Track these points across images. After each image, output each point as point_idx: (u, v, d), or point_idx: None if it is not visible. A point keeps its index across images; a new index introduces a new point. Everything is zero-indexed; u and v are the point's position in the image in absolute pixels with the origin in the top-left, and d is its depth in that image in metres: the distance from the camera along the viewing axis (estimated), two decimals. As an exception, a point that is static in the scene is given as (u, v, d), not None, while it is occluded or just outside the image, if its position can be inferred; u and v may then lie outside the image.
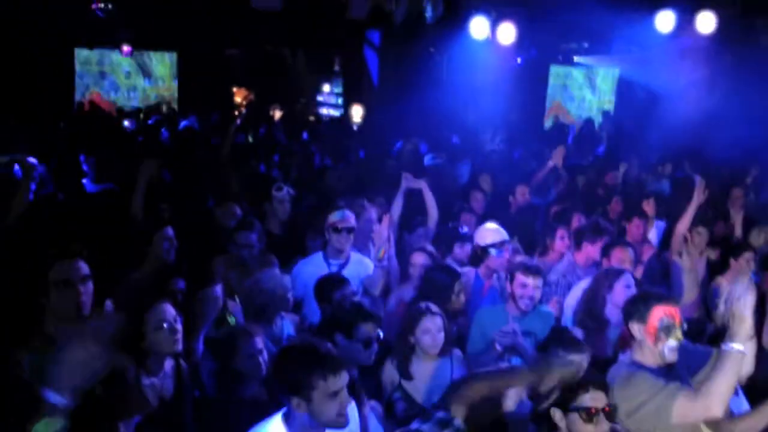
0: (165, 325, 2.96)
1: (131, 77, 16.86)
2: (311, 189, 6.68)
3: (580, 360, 3.23)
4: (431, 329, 3.45)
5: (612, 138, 11.41)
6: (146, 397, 2.75)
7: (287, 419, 2.45)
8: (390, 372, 3.50)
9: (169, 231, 4.26)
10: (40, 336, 2.90)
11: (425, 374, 3.46)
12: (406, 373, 3.45)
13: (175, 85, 17.06)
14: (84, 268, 3.08)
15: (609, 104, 16.29)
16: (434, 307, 3.53)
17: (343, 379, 2.40)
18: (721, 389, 2.72)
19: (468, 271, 4.68)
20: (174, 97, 16.81)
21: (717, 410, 2.75)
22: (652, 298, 3.07)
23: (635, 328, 3.03)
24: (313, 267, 4.39)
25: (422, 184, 5.25)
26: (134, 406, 2.57)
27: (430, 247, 4.53)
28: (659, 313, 2.98)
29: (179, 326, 3.02)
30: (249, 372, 3.11)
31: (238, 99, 18.63)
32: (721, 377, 2.71)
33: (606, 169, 8.30)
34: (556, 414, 2.61)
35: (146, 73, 17.05)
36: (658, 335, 2.96)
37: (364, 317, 3.17)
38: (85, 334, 2.04)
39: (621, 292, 3.97)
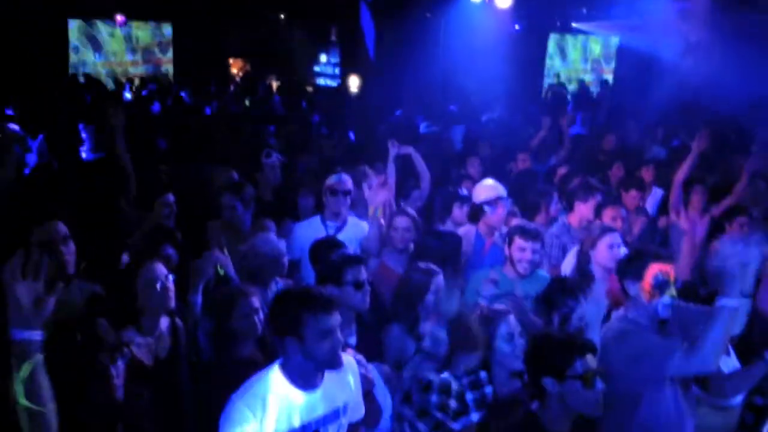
0: (157, 283, 2.99)
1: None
2: (307, 154, 6.65)
3: (581, 309, 3.31)
4: (440, 288, 3.51)
5: (611, 107, 11.37)
6: (121, 341, 2.75)
7: (284, 367, 2.49)
8: (399, 337, 3.50)
9: (170, 197, 4.28)
10: None
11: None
12: (419, 336, 3.49)
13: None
14: (63, 228, 3.12)
15: (608, 73, 16.21)
16: (435, 267, 3.57)
17: (334, 318, 2.43)
18: (714, 344, 2.75)
19: (468, 230, 4.70)
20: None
21: (712, 365, 2.79)
22: (647, 255, 3.11)
23: (630, 285, 3.07)
24: (311, 230, 4.40)
25: (410, 150, 5.25)
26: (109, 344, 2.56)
27: (411, 211, 4.52)
28: (654, 270, 3.01)
29: (171, 284, 3.05)
30: (244, 331, 3.13)
31: (234, 70, 18.50)
32: (713, 333, 2.74)
33: (605, 135, 8.29)
34: (549, 383, 2.52)
35: (96, 47, 16.80)
36: (653, 292, 3.00)
37: (349, 261, 3.22)
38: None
39: (604, 250, 4.01)
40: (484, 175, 6.25)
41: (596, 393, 2.50)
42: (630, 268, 3.09)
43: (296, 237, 4.44)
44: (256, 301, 3.18)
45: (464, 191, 5.22)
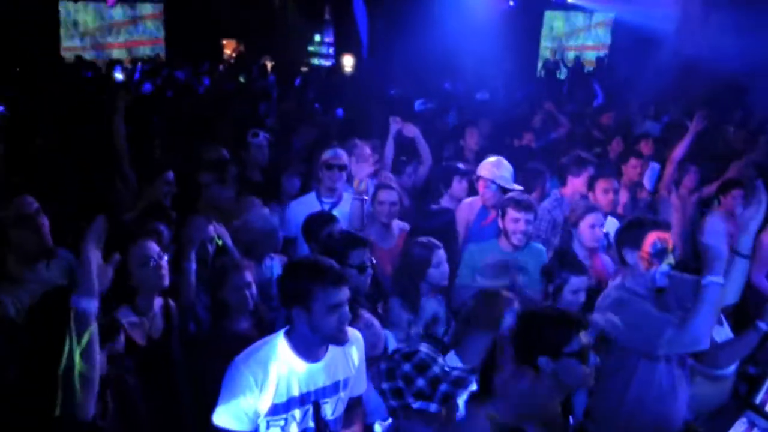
0: (150, 262, 2.98)
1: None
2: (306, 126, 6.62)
3: (581, 283, 3.31)
4: (441, 261, 3.52)
5: (607, 84, 11.31)
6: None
7: (289, 336, 2.50)
8: (399, 312, 3.52)
9: (170, 175, 4.27)
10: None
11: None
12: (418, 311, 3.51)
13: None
14: (33, 202, 3.12)
15: (603, 49, 16.13)
16: (436, 241, 3.57)
17: (343, 293, 2.43)
18: (702, 323, 2.75)
19: (473, 202, 4.70)
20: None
21: (702, 344, 2.78)
22: (646, 224, 3.09)
23: (628, 253, 3.05)
24: (306, 206, 4.36)
25: (414, 130, 5.26)
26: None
27: (395, 184, 4.51)
28: (652, 238, 3.00)
29: (164, 263, 3.04)
30: (236, 304, 3.14)
31: (227, 51, 18.33)
32: (701, 311, 2.74)
33: (602, 112, 8.28)
34: (544, 362, 2.42)
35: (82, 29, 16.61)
36: (651, 260, 2.99)
37: (354, 244, 3.23)
38: (94, 239, 2.09)
39: (586, 230, 4.01)
40: (482, 149, 6.30)
41: (590, 367, 2.45)
42: (629, 236, 3.07)
43: (291, 214, 4.41)
44: (248, 276, 3.18)
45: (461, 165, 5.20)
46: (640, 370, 2.99)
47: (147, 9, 17.49)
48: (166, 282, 3.05)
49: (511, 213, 3.93)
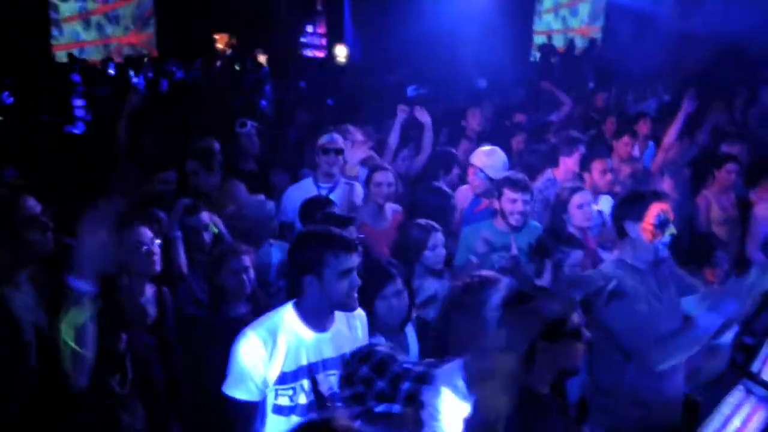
0: (143, 248, 3.02)
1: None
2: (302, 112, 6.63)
3: (578, 257, 3.32)
4: (438, 245, 3.53)
5: (599, 68, 11.30)
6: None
7: (298, 306, 2.53)
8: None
9: (172, 174, 4.33)
10: None
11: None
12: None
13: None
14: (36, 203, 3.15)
15: (596, 31, 16.08)
16: (434, 223, 3.59)
17: (353, 259, 2.47)
18: (672, 352, 2.83)
19: (467, 189, 4.73)
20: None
21: (657, 367, 2.86)
22: (647, 195, 3.09)
23: (630, 226, 3.05)
24: (303, 191, 4.37)
25: (426, 116, 5.34)
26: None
27: (388, 165, 4.53)
28: (656, 210, 3.00)
29: (157, 248, 3.06)
30: (233, 289, 3.15)
31: (220, 45, 18.27)
32: (678, 342, 2.82)
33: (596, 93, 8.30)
34: (542, 346, 2.38)
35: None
36: (655, 231, 3.00)
37: (338, 222, 3.23)
38: (98, 219, 2.11)
39: (574, 211, 4.02)
40: (484, 131, 6.32)
41: (583, 346, 2.44)
42: (631, 208, 3.06)
43: (288, 199, 4.43)
44: (246, 260, 3.20)
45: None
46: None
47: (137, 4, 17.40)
48: (158, 267, 3.09)
49: (508, 194, 3.93)
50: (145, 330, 3.04)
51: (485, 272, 3.04)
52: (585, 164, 4.77)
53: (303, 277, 2.47)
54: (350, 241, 2.53)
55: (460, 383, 2.16)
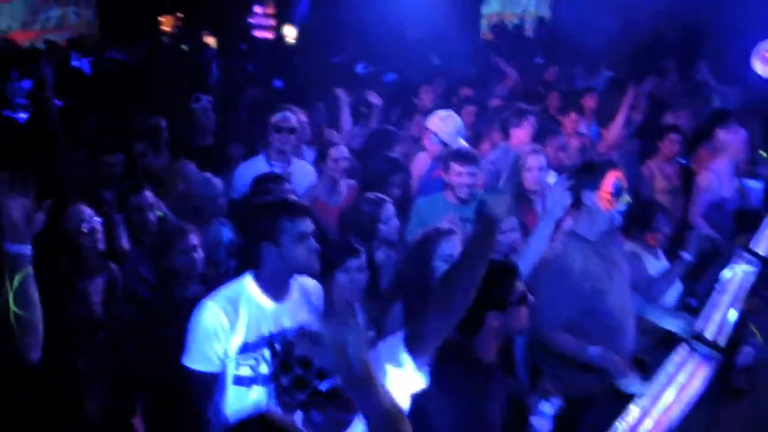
0: (82, 225, 3.00)
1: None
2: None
3: (509, 224, 3.37)
4: (390, 216, 3.54)
5: (547, 42, 11.40)
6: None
7: (256, 275, 2.52)
8: None
9: (119, 157, 4.24)
10: None
11: None
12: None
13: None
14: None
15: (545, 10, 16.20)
16: (383, 196, 3.59)
17: (308, 223, 2.48)
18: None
19: (424, 156, 4.74)
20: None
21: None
22: (603, 164, 3.15)
23: (587, 195, 3.08)
24: (254, 169, 4.30)
25: (378, 99, 5.42)
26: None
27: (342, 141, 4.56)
28: (611, 178, 3.05)
29: (98, 226, 3.01)
30: (184, 269, 3.10)
31: (165, 28, 17.80)
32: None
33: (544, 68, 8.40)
34: (492, 316, 2.44)
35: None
36: (611, 199, 3.04)
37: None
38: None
39: (525, 175, 4.06)
40: (436, 108, 6.33)
41: (527, 309, 2.51)
42: (588, 178, 3.10)
43: (240, 176, 4.35)
44: (194, 239, 3.16)
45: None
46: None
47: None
48: (101, 245, 3.03)
49: (454, 167, 3.95)
50: (92, 310, 2.98)
51: (442, 224, 3.09)
52: (537, 138, 4.83)
53: (260, 246, 2.46)
54: (304, 205, 2.54)
55: (403, 356, 2.16)
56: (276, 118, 4.47)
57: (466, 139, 4.80)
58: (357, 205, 3.66)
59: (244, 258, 2.57)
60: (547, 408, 2.40)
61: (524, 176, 4.08)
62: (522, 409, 2.50)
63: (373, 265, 3.38)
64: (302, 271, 2.55)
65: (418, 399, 2.20)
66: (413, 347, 2.16)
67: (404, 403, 2.18)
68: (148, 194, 3.58)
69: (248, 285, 2.52)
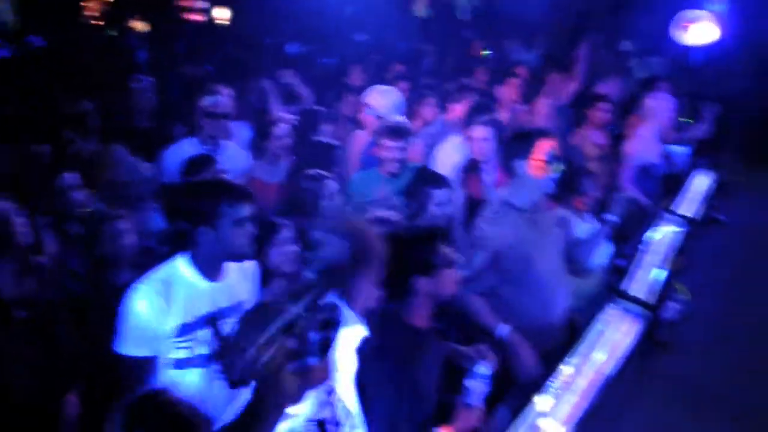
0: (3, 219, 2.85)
1: None
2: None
3: (443, 195, 3.39)
4: (333, 193, 3.56)
5: (478, 18, 11.49)
6: None
7: (191, 257, 2.46)
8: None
9: (46, 148, 4.18)
10: None
11: None
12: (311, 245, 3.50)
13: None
14: None
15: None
16: (323, 172, 3.58)
17: (247, 208, 2.43)
18: None
19: (363, 133, 4.72)
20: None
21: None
22: (533, 133, 3.20)
23: (518, 164, 3.13)
24: (184, 152, 4.19)
25: (291, 75, 5.42)
26: None
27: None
28: (542, 146, 3.10)
29: (22, 220, 2.90)
30: (115, 255, 3.04)
31: (90, 12, 17.14)
32: None
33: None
34: (418, 282, 2.51)
35: None
36: (543, 167, 3.09)
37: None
38: None
39: (469, 144, 4.13)
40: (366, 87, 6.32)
41: (456, 272, 2.55)
42: (518, 146, 3.15)
43: (169, 159, 4.26)
44: (123, 224, 3.08)
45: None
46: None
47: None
48: (26, 239, 2.92)
49: (385, 141, 3.97)
50: (23, 304, 2.87)
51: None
52: (473, 113, 4.88)
53: (196, 229, 2.41)
54: (244, 189, 2.49)
55: (346, 312, 2.21)
56: (206, 102, 4.41)
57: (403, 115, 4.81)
58: (297, 182, 3.64)
59: (176, 241, 2.50)
60: (483, 370, 2.44)
61: (472, 147, 4.13)
62: (457, 373, 2.54)
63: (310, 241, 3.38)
64: (238, 258, 2.50)
65: (358, 370, 2.26)
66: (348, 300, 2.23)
67: (351, 361, 2.28)
68: (68, 176, 3.46)
69: (181, 266, 2.46)
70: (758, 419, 3.97)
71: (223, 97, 4.53)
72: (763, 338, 4.82)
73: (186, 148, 4.31)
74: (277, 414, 1.91)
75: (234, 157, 4.38)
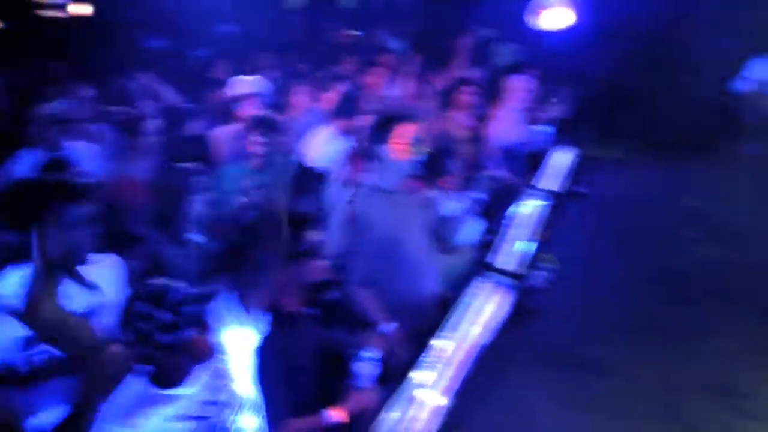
0: None
1: None
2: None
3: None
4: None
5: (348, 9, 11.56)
6: None
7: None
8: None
9: None
10: None
11: None
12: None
13: None
14: None
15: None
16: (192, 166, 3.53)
17: (85, 208, 2.30)
18: None
19: (235, 127, 4.64)
20: None
21: None
22: (394, 117, 3.26)
23: (381, 148, 3.19)
24: (32, 157, 3.97)
25: (149, 77, 5.33)
26: None
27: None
28: (403, 130, 3.17)
29: None
30: None
31: None
32: None
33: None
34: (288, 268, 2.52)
35: None
36: (403, 150, 3.16)
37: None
38: None
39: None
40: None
41: (323, 261, 2.61)
42: (380, 131, 3.21)
43: (18, 165, 3.99)
44: None
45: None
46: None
47: None
48: None
49: (251, 136, 4.01)
50: None
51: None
52: (343, 102, 4.90)
53: (28, 231, 2.23)
54: (81, 187, 2.34)
55: (242, 314, 2.27)
56: (48, 109, 4.20)
57: (273, 106, 4.78)
58: (164, 180, 3.56)
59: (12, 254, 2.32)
60: (370, 354, 2.50)
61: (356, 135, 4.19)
62: (343, 359, 2.57)
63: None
64: (79, 257, 2.35)
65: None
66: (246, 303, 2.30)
67: (248, 358, 2.32)
68: None
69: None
70: (621, 373, 4.32)
71: (76, 100, 4.31)
72: (623, 300, 5.28)
73: (35, 153, 4.06)
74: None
75: (88, 157, 4.18)
